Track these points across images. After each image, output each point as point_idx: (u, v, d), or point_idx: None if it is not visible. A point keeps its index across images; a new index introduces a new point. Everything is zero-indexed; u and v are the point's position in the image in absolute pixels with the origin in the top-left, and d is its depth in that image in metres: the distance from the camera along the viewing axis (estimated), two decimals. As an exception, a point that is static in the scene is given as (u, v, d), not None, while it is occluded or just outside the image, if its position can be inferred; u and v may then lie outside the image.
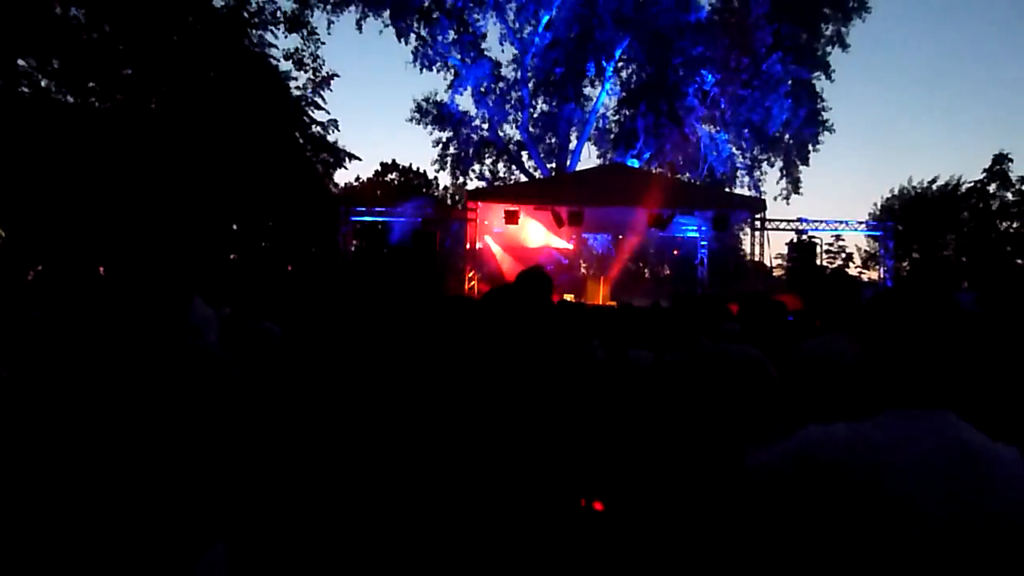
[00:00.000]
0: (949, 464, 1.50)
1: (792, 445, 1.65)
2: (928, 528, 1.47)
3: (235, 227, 19.13)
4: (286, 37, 21.92)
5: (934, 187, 28.35)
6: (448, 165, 28.18)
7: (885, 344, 1.64)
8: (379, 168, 36.64)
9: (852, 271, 30.05)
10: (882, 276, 18.41)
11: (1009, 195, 25.59)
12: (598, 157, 27.20)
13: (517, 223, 16.64)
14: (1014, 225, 25.61)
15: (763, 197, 23.30)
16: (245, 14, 19.83)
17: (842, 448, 1.56)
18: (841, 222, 18.79)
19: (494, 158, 28.54)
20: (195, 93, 16.06)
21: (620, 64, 25.99)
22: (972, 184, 26.21)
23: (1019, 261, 25.06)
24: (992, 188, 25.82)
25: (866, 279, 28.21)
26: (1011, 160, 25.53)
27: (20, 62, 15.19)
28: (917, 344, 1.60)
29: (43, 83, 15.53)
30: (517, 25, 25.58)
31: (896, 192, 30.34)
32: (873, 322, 1.68)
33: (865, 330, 1.69)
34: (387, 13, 24.91)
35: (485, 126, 27.29)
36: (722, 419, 3.31)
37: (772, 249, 29.12)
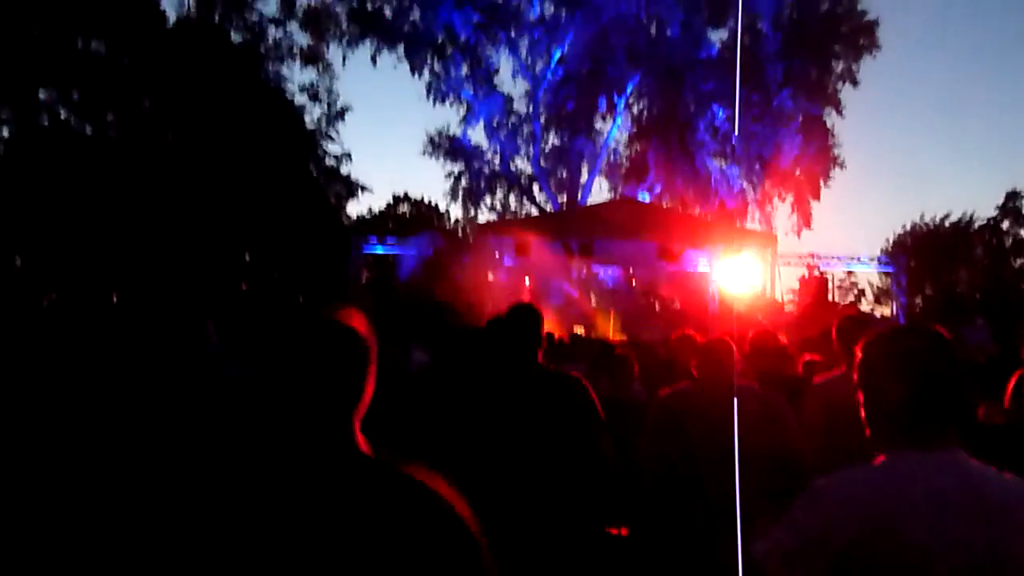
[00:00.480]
0: (960, 508, 1.47)
1: (798, 524, 1.59)
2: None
3: (247, 257, 19.26)
4: (302, 71, 22.27)
5: (946, 223, 28.29)
6: (460, 198, 28.27)
7: (884, 386, 1.62)
8: (391, 200, 36.85)
9: (864, 307, 29.91)
10: (894, 312, 18.29)
11: (1022, 232, 25.52)
12: (609, 191, 27.23)
13: (528, 255, 16.63)
14: (1028, 262, 25.49)
15: (774, 232, 23.28)
16: (262, 49, 20.19)
17: (857, 520, 1.51)
18: (853, 258, 18.73)
19: (505, 191, 28.62)
20: (211, 125, 16.29)
21: (631, 99, 26.18)
22: (985, 221, 26.15)
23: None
24: (1005, 225, 25.76)
25: (878, 315, 28.05)
26: (1023, 197, 25.51)
27: (41, 93, 15.48)
28: (915, 385, 1.58)
29: (63, 114, 15.81)
30: (529, 60, 25.85)
31: (908, 228, 30.31)
32: (870, 365, 1.67)
33: (863, 373, 1.68)
34: (401, 48, 25.24)
35: (497, 159, 27.43)
36: (734, 461, 3.16)
37: (784, 283, 29.04)
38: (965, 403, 1.61)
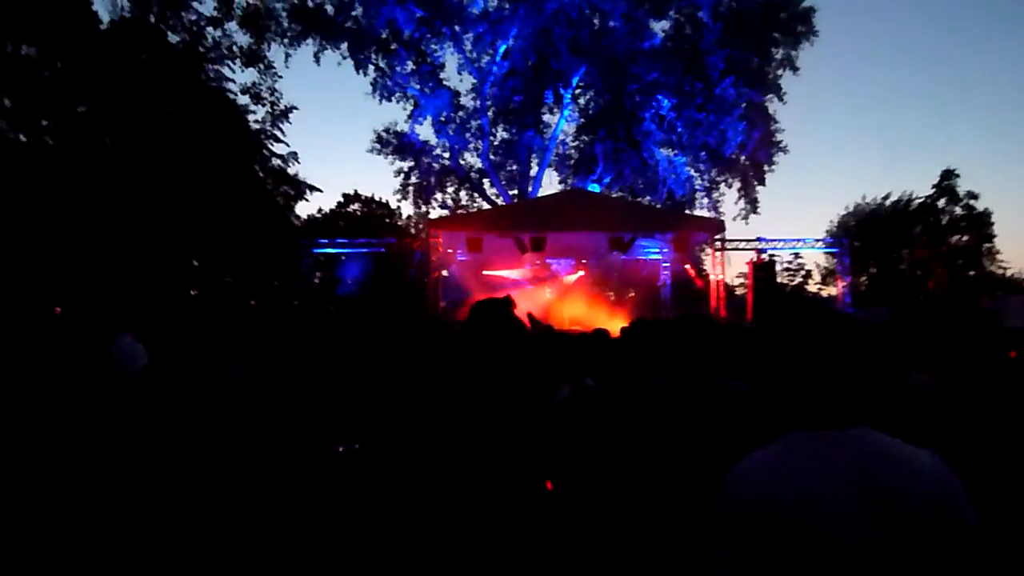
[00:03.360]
0: (847, 485, 1.51)
1: (720, 515, 1.63)
2: (847, 549, 1.48)
3: (196, 263, 18.88)
4: (243, 71, 21.89)
5: (887, 203, 29.03)
6: (410, 195, 28.19)
7: (787, 367, 1.66)
8: (341, 199, 36.40)
9: (811, 287, 30.59)
10: (841, 292, 18.75)
11: (958, 209, 26.33)
12: (559, 183, 27.45)
13: (480, 250, 16.65)
14: (964, 239, 26.31)
15: (722, 218, 23.68)
16: (201, 49, 19.77)
17: (755, 501, 1.56)
18: (798, 240, 19.15)
19: (456, 186, 28.64)
20: (151, 129, 15.90)
21: (577, 91, 26.33)
22: (922, 200, 26.90)
23: (971, 273, 25.73)
24: (941, 203, 26.54)
25: (825, 295, 28.73)
26: (958, 176, 26.32)
27: (-30, 101, 14.92)
28: (817, 365, 1.61)
29: (-5, 122, 15.26)
30: (475, 55, 25.80)
31: (851, 209, 31.01)
32: (774, 349, 1.70)
33: (768, 354, 1.72)
34: (345, 45, 24.95)
35: (446, 155, 27.39)
36: (705, 454, 3.03)
37: (733, 268, 29.58)
38: (875, 381, 1.64)
